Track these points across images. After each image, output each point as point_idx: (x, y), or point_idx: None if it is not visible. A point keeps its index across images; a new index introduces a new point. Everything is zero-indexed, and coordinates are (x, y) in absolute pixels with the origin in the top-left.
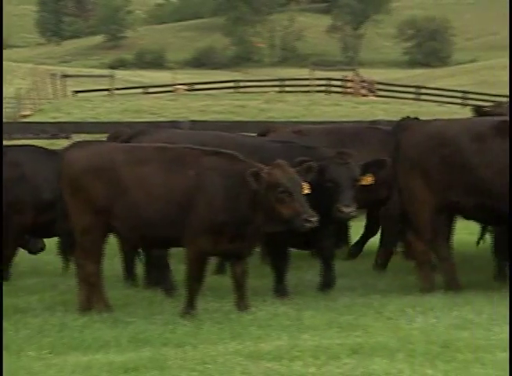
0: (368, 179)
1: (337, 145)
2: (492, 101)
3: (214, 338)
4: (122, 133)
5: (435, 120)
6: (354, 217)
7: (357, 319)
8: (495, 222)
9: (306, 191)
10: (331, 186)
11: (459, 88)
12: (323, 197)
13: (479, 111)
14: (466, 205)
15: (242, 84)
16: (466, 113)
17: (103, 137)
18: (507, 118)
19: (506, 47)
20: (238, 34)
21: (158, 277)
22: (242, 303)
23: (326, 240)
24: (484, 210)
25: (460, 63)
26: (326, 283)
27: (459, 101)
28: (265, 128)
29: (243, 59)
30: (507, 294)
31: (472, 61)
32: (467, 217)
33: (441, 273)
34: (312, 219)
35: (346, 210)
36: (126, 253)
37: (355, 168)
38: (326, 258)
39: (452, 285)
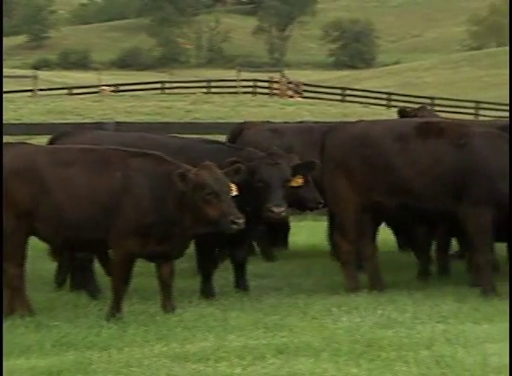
0: (298, 181)
1: (312, 143)
2: (416, 102)
3: (139, 341)
4: (68, 134)
5: (361, 121)
6: (285, 217)
7: (283, 319)
8: (417, 222)
9: (234, 192)
10: (261, 187)
11: (383, 90)
12: (253, 198)
13: (403, 113)
14: (388, 205)
15: (168, 85)
16: (391, 114)
17: (26, 139)
18: (429, 120)
19: (429, 49)
20: (164, 35)
21: (82, 280)
22: (168, 305)
23: (245, 243)
24: (407, 210)
25: (385, 65)
26: (241, 285)
27: (384, 102)
28: (238, 127)
29: (169, 60)
30: (430, 293)
31: (396, 63)
32: (391, 217)
33: (365, 273)
34: (239, 221)
35: (277, 210)
36: (62, 256)
37: (285, 169)
38: (240, 260)
39: (377, 285)
